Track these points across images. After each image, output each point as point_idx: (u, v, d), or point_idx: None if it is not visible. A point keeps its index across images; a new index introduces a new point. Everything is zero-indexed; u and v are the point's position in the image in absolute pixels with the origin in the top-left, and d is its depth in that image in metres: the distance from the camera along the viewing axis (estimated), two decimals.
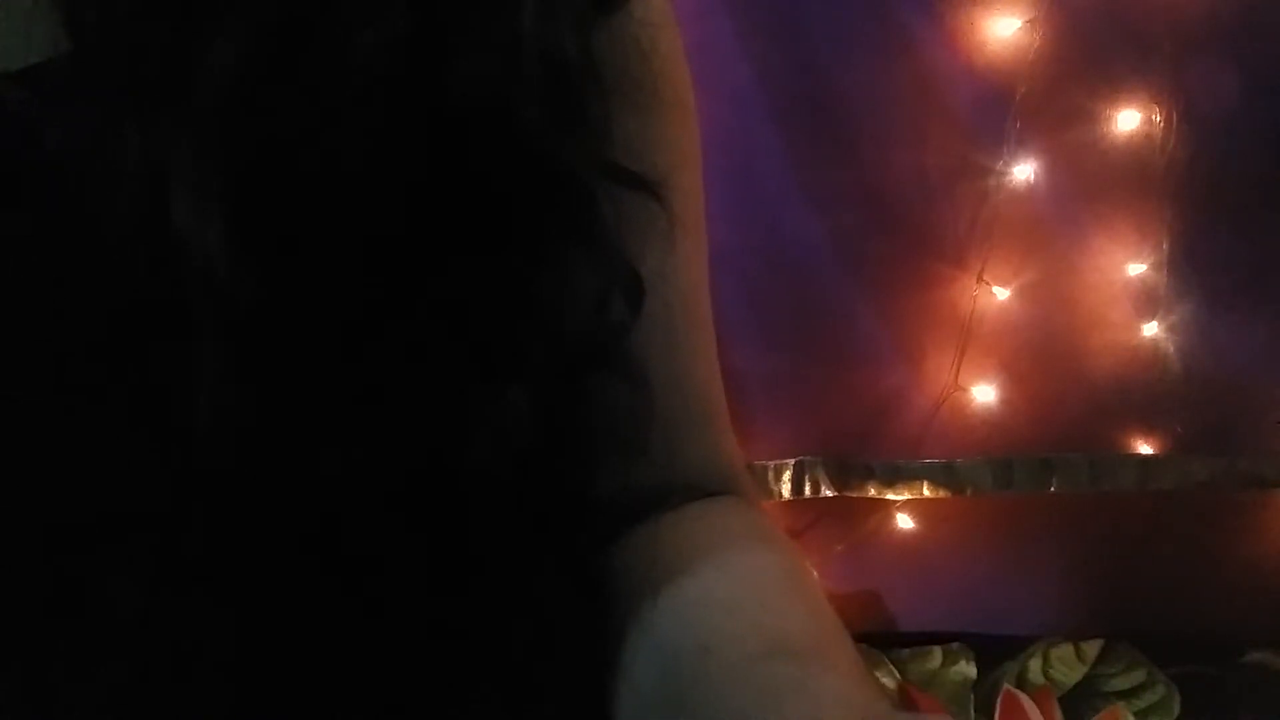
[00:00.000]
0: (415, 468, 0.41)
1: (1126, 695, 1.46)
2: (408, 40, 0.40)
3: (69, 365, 0.39)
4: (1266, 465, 1.44)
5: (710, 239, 0.50)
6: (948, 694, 1.46)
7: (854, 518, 1.50)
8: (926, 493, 1.47)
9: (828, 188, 1.42)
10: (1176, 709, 1.44)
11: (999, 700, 1.41)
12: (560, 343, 0.43)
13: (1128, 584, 1.48)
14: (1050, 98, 1.39)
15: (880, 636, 1.48)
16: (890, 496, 1.48)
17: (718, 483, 0.50)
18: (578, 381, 0.44)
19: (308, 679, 0.41)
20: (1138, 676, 1.46)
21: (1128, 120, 1.39)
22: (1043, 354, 1.45)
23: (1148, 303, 1.43)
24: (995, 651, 1.48)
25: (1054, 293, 1.44)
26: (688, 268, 0.49)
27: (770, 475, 1.46)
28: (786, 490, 1.47)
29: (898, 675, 1.46)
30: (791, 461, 1.47)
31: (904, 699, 1.41)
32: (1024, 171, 1.41)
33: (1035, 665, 1.46)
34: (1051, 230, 1.43)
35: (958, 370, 1.45)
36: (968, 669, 1.47)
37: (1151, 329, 1.44)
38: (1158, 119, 1.39)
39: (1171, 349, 1.43)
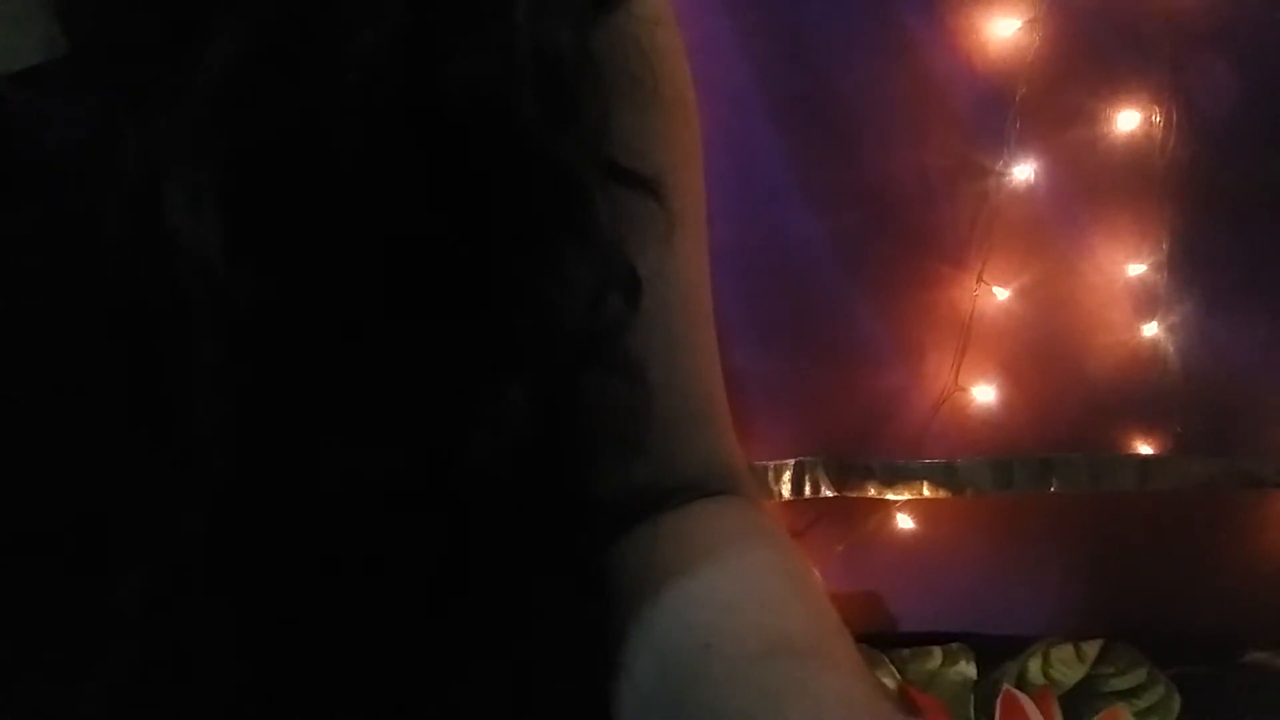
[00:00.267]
0: (415, 467, 0.41)
1: (1126, 695, 1.45)
2: (405, 39, 0.40)
3: (68, 365, 0.39)
4: (1266, 465, 1.44)
5: (710, 239, 0.50)
6: (948, 694, 1.46)
7: (854, 518, 1.50)
8: (926, 493, 1.47)
9: (828, 188, 1.42)
10: (1176, 709, 1.44)
11: (999, 700, 1.41)
12: (557, 340, 0.43)
13: (1128, 584, 1.48)
14: (1050, 98, 1.38)
15: (880, 636, 1.48)
16: (890, 496, 1.48)
17: (719, 482, 0.50)
18: (576, 379, 0.44)
19: (308, 679, 0.40)
20: (1138, 676, 1.46)
21: (1128, 120, 1.39)
22: (1043, 354, 1.45)
23: (1148, 303, 1.43)
24: (995, 651, 1.48)
25: (1054, 293, 1.44)
26: (688, 266, 0.49)
27: (770, 475, 1.46)
28: (786, 490, 1.47)
29: (898, 675, 1.46)
30: (791, 461, 1.47)
31: (904, 699, 1.41)
32: (1024, 171, 1.41)
33: (1035, 665, 1.46)
34: (1051, 230, 1.43)
35: (958, 370, 1.45)
36: (968, 669, 1.47)
37: (1151, 329, 1.43)
38: (1158, 119, 1.39)
39: (1171, 349, 1.43)
